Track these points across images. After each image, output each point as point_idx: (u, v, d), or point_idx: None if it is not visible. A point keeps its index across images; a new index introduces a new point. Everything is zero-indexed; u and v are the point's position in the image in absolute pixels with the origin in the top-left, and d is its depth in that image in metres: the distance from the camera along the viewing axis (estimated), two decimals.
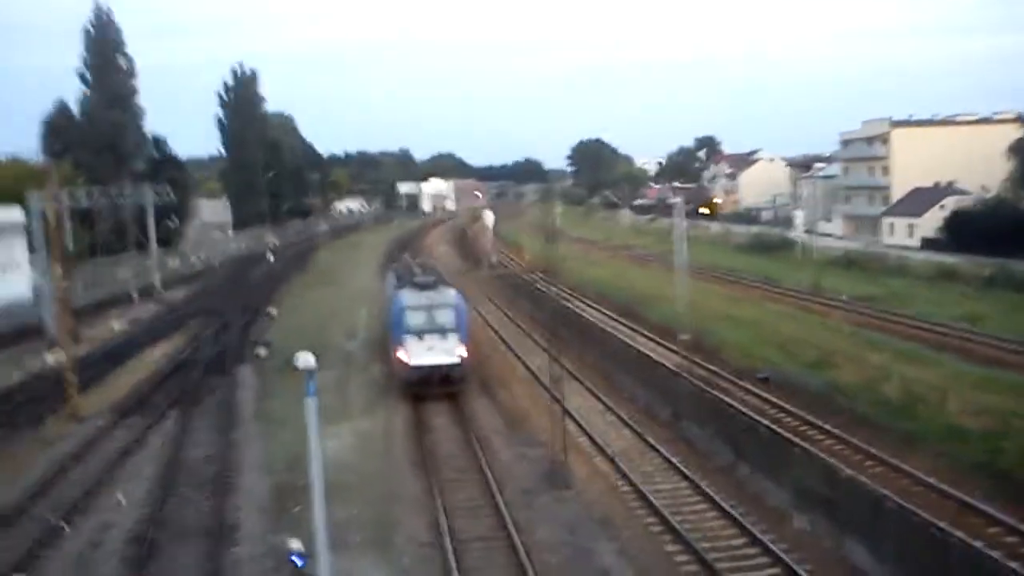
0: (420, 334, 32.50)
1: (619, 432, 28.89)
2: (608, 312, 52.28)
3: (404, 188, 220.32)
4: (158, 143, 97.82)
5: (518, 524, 20.92)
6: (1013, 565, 16.42)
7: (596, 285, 62.49)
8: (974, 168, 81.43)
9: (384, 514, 22.00)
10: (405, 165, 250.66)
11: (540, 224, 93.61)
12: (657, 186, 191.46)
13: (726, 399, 29.40)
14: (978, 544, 17.21)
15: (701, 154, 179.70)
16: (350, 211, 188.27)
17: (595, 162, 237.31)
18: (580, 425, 28.81)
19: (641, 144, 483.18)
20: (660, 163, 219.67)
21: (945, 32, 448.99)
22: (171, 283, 74.92)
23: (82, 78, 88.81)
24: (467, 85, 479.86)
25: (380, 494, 23.42)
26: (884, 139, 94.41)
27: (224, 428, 30.47)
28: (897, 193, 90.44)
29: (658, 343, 41.63)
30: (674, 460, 25.43)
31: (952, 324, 43.07)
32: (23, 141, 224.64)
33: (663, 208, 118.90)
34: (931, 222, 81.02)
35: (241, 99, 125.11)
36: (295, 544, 14.24)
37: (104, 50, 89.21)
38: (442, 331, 32.60)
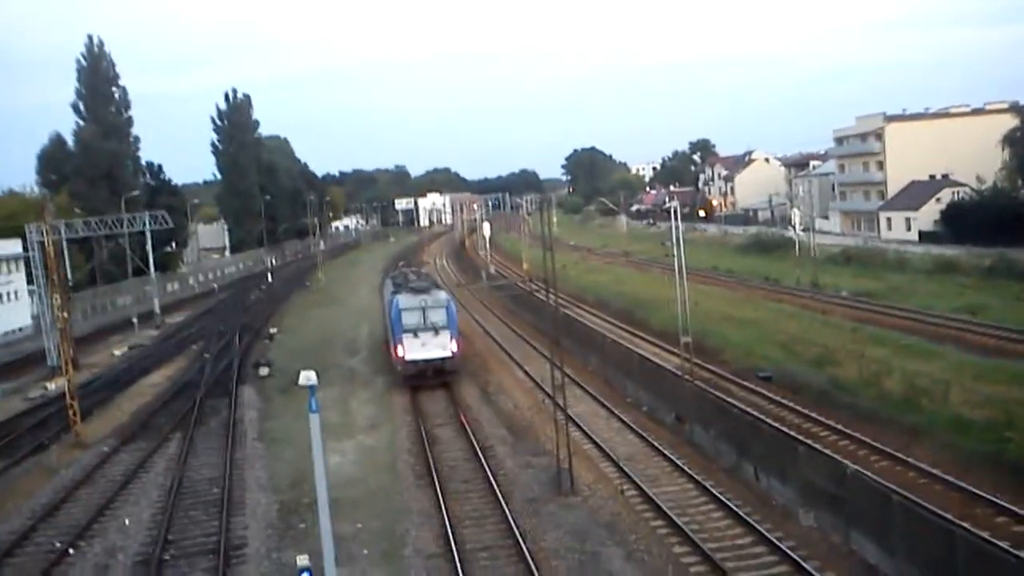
0: (415, 332, 35.99)
1: (624, 437, 28.84)
2: (608, 318, 52.30)
3: (401, 204, 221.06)
4: (153, 170, 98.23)
5: (524, 532, 20.88)
6: (1022, 554, 16.34)
7: (596, 291, 62.51)
8: (969, 160, 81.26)
9: (390, 527, 21.95)
10: (401, 181, 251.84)
11: (537, 234, 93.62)
12: (653, 191, 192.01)
13: (729, 399, 29.36)
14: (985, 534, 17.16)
15: (696, 157, 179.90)
16: (347, 229, 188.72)
17: (590, 170, 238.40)
18: (584, 431, 28.76)
19: (636, 150, 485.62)
20: (655, 168, 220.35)
21: (936, 25, 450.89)
22: (171, 307, 75.12)
23: (76, 109, 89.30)
24: (461, 99, 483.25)
25: (386, 507, 23.38)
26: (878, 134, 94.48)
27: (228, 449, 30.40)
28: (893, 188, 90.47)
29: (660, 347, 41.58)
30: (679, 462, 25.38)
31: (953, 316, 43.00)
32: (22, 177, 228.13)
33: (660, 213, 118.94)
34: (928, 215, 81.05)
35: (235, 124, 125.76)
36: (302, 560, 14.20)
37: (97, 81, 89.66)
38: (435, 329, 36.12)
